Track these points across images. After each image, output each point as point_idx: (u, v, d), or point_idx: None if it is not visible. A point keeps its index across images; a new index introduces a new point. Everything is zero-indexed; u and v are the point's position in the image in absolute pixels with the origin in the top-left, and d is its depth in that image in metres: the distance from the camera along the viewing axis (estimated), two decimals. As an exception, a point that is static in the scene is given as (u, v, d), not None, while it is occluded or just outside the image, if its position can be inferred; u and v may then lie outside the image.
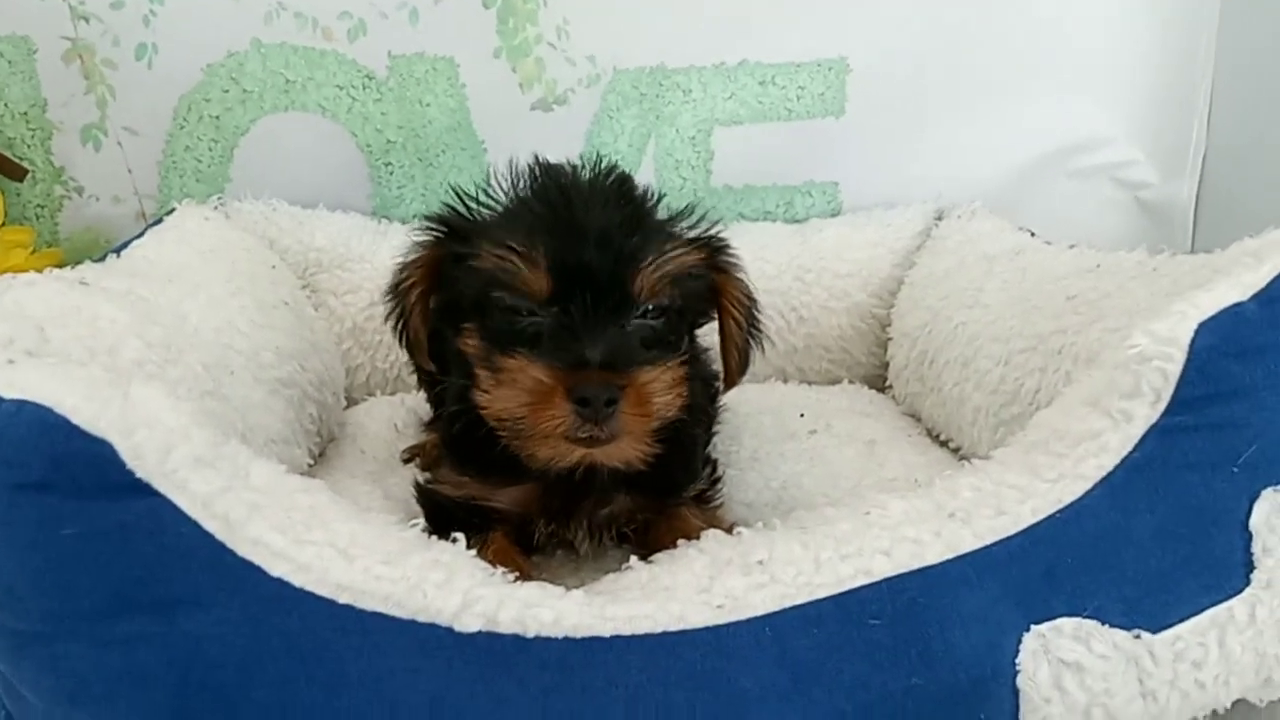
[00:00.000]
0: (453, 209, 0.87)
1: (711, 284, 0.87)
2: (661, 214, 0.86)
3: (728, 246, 0.90)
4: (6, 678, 0.61)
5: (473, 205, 0.86)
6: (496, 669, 0.58)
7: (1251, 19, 1.49)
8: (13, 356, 0.62)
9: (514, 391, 0.75)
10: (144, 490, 0.56)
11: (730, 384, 0.95)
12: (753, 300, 0.91)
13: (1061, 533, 0.65)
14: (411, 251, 0.88)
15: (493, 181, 0.86)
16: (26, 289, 0.76)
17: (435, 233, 0.87)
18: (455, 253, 0.82)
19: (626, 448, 0.77)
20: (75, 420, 0.55)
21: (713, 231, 0.89)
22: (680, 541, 0.71)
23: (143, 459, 0.56)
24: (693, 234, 0.87)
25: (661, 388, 0.77)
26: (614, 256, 0.77)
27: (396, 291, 0.88)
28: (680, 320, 0.84)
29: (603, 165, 0.86)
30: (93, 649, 0.57)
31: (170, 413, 0.58)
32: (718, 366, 0.94)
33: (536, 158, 0.86)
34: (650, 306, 0.79)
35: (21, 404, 0.55)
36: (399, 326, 0.89)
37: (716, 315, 0.90)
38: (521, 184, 0.84)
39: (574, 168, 0.85)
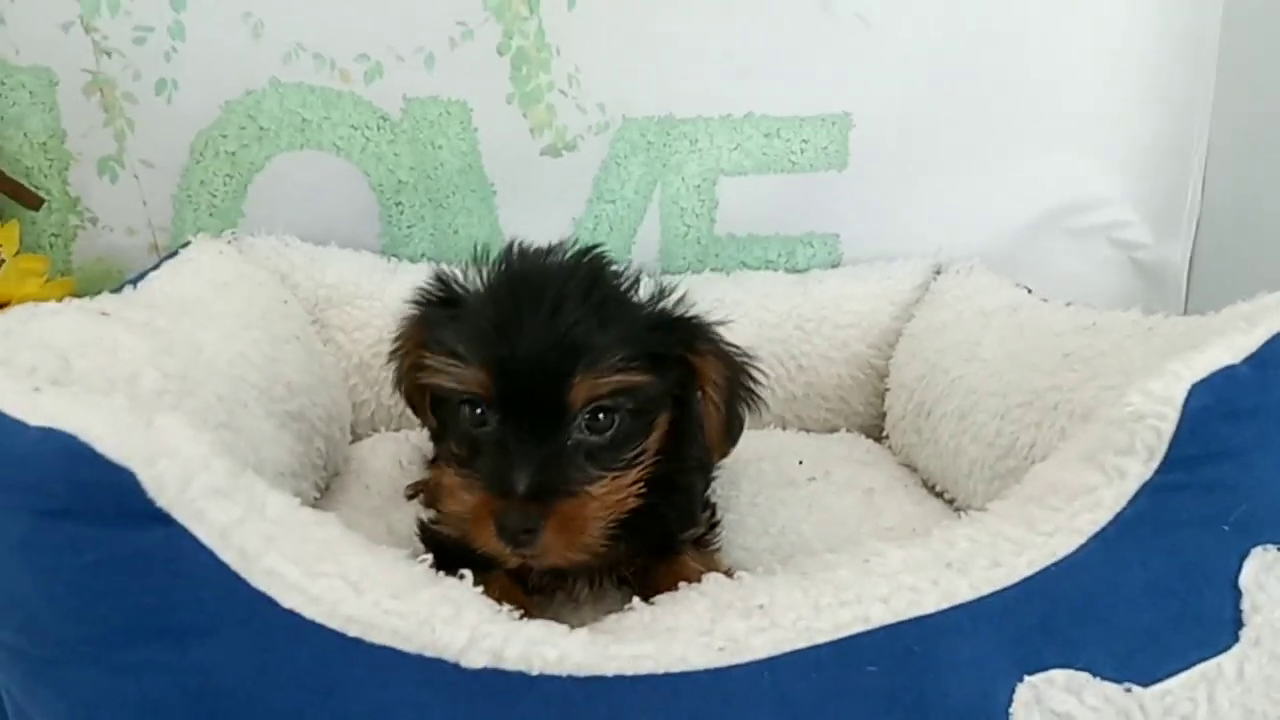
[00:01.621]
0: (435, 284, 0.88)
1: (689, 364, 0.87)
2: (640, 294, 0.87)
3: (705, 327, 0.90)
4: (17, 702, 0.62)
5: (452, 285, 0.87)
6: (501, 705, 0.59)
7: (1247, 83, 1.53)
8: (38, 384, 0.63)
9: (453, 504, 0.79)
10: (164, 519, 0.57)
11: (715, 457, 0.96)
12: (737, 376, 0.91)
13: (1056, 585, 0.66)
14: (400, 323, 0.91)
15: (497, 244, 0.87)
16: (50, 318, 0.78)
17: (415, 313, 0.89)
18: (421, 342, 0.85)
19: (563, 555, 0.77)
20: (100, 449, 0.56)
21: (689, 314, 0.89)
22: (681, 584, 0.72)
23: (164, 488, 0.57)
24: (672, 316, 0.87)
25: (594, 509, 0.78)
26: (550, 369, 0.77)
27: (392, 355, 0.92)
28: (639, 420, 0.83)
29: (583, 249, 0.86)
30: (105, 675, 0.58)
31: (191, 443, 0.60)
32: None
33: (512, 243, 0.87)
34: (599, 415, 0.79)
35: (48, 431, 0.56)
36: (398, 388, 0.93)
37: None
38: (492, 271, 0.85)
39: (549, 251, 0.86)
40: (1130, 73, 1.59)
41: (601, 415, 0.79)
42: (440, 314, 0.85)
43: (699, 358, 0.87)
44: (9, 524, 0.57)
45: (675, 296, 0.89)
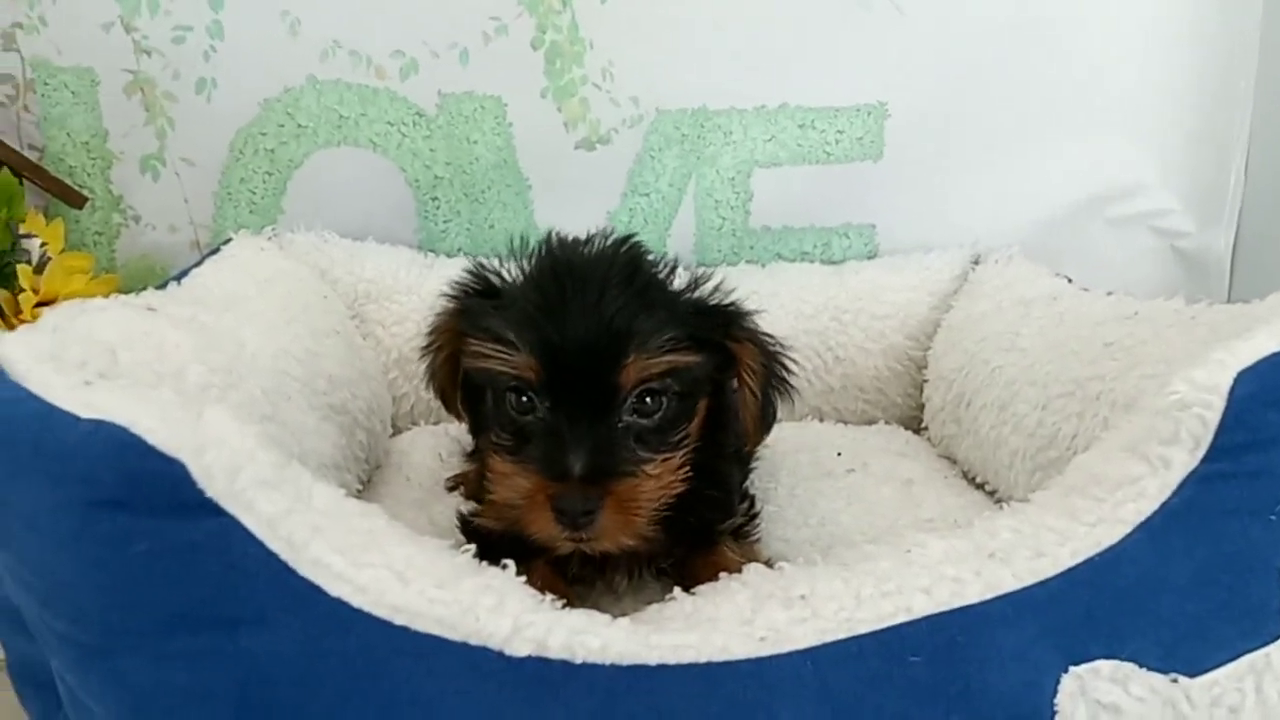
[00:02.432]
0: (472, 275, 0.89)
1: (728, 351, 0.88)
2: (678, 282, 0.87)
3: (741, 315, 0.90)
4: (71, 689, 0.63)
5: (490, 276, 0.88)
6: (545, 694, 0.59)
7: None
8: (88, 378, 0.64)
9: (507, 491, 0.79)
10: (213, 510, 0.58)
11: (750, 445, 0.97)
12: (774, 363, 0.91)
13: (1100, 576, 0.66)
14: (436, 315, 0.92)
15: (509, 261, 0.87)
16: (98, 314, 0.79)
17: (453, 304, 0.90)
18: (463, 331, 0.86)
19: (617, 538, 0.78)
20: (150, 440, 0.56)
21: (727, 301, 0.90)
22: (721, 575, 0.72)
23: (213, 479, 0.58)
24: (710, 304, 0.88)
25: (649, 490, 0.79)
26: (600, 351, 0.77)
27: (428, 350, 0.92)
28: (684, 403, 0.84)
29: (619, 238, 0.87)
30: (156, 664, 0.59)
31: (238, 435, 0.60)
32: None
33: (549, 234, 0.88)
34: (646, 399, 0.80)
35: (99, 424, 0.57)
36: (430, 382, 0.94)
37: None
38: (531, 261, 0.86)
39: (587, 241, 0.87)
40: (1170, 58, 1.57)
41: (649, 398, 0.80)
42: (481, 304, 0.85)
43: (737, 344, 0.88)
44: (61, 516, 0.58)
45: (712, 283, 0.89)
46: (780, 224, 1.60)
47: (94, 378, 0.65)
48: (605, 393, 0.78)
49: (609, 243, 0.87)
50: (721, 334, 0.87)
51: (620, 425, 0.79)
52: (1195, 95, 1.58)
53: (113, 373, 0.72)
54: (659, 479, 0.80)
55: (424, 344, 0.94)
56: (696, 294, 0.88)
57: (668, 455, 0.81)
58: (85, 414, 0.58)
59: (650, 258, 0.88)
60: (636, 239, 0.88)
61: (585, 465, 0.75)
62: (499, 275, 0.88)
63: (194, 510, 0.57)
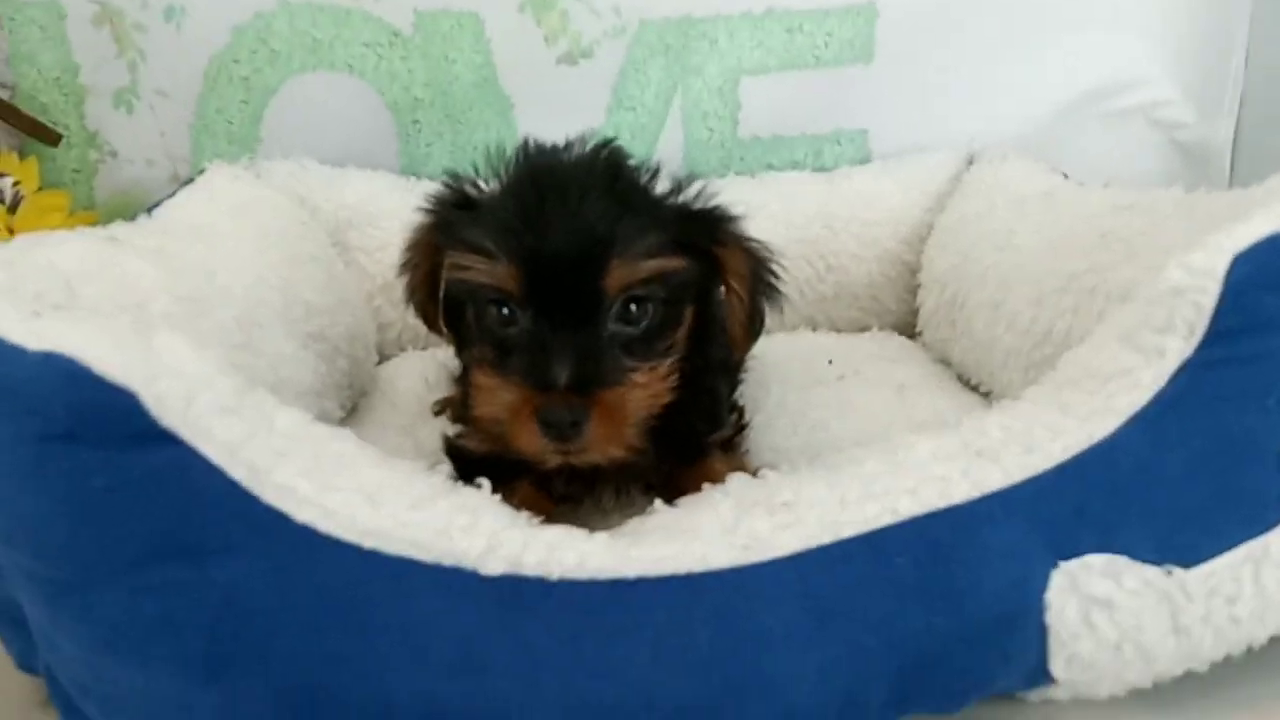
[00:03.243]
0: (448, 188, 0.87)
1: (714, 257, 0.85)
2: (661, 187, 0.85)
3: (727, 219, 0.88)
4: (42, 626, 0.63)
5: (467, 187, 0.85)
6: (522, 611, 0.58)
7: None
8: (40, 310, 0.62)
9: (490, 405, 0.77)
10: (169, 439, 0.56)
11: (738, 353, 0.95)
12: (762, 269, 0.89)
13: (1093, 469, 0.64)
14: (413, 231, 0.89)
15: (485, 166, 0.85)
16: (56, 246, 0.77)
17: (429, 217, 0.87)
18: (440, 245, 0.83)
19: (606, 450, 0.76)
20: (98, 370, 0.54)
21: (712, 204, 0.87)
22: (705, 485, 0.70)
23: (166, 407, 0.56)
24: (696, 206, 0.85)
25: (637, 398, 0.77)
26: (583, 257, 0.75)
27: (407, 268, 0.90)
28: (671, 310, 0.82)
29: (598, 143, 0.84)
30: (126, 597, 0.57)
31: (193, 361, 0.59)
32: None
33: (525, 141, 0.85)
34: (631, 306, 0.78)
35: (48, 355, 0.55)
36: (411, 301, 0.91)
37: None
38: (507, 170, 0.83)
39: (565, 148, 0.84)
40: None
41: (634, 306, 0.78)
42: (458, 216, 0.83)
43: (723, 249, 0.85)
44: (17, 451, 0.56)
45: (696, 188, 0.87)
46: (770, 133, 1.56)
47: (47, 310, 0.63)
48: (589, 301, 0.76)
49: (588, 149, 0.84)
50: (708, 240, 0.84)
51: (606, 334, 0.77)
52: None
53: (70, 305, 0.70)
54: (647, 388, 0.78)
55: (401, 261, 0.91)
56: (680, 199, 0.86)
57: (655, 364, 0.79)
58: (35, 346, 0.56)
59: (631, 162, 0.85)
60: (616, 143, 0.86)
61: (571, 375, 0.73)
62: (475, 187, 0.85)
63: (149, 440, 0.56)
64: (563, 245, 0.75)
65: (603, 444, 0.75)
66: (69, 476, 0.56)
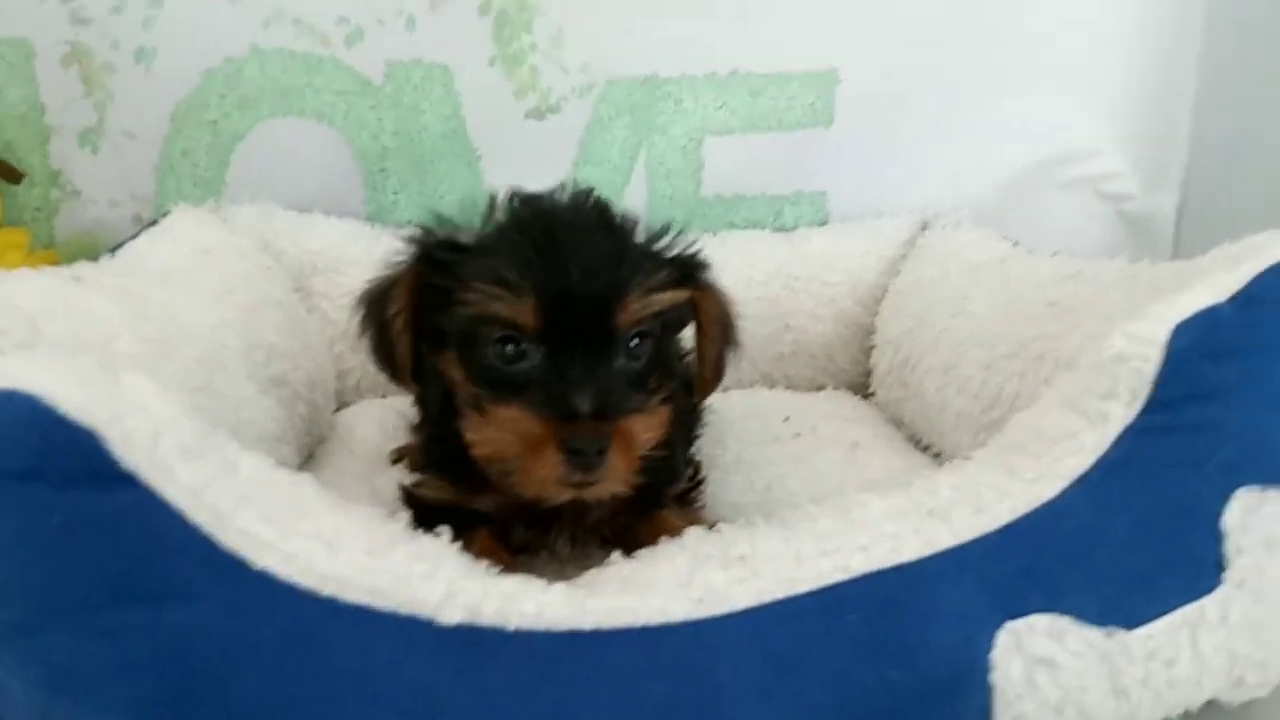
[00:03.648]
0: (430, 231, 0.87)
1: (689, 300, 0.87)
2: (640, 235, 0.86)
3: (705, 265, 0.90)
4: (-8, 667, 0.62)
5: (450, 232, 0.85)
6: (479, 661, 0.59)
7: (1236, 34, 1.51)
8: (2, 348, 0.62)
9: (505, 437, 0.77)
10: (131, 480, 0.56)
11: (702, 395, 0.96)
12: (729, 316, 0.91)
13: (1038, 531, 0.66)
14: (389, 274, 0.88)
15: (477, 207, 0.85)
16: (19, 283, 0.77)
17: (415, 254, 0.86)
18: (433, 283, 0.83)
19: (612, 485, 0.77)
20: (62, 409, 0.55)
21: (691, 250, 0.89)
22: (662, 539, 0.71)
23: (131, 448, 0.56)
24: (672, 253, 0.87)
25: (647, 429, 0.79)
26: (601, 290, 0.77)
27: (377, 315, 0.87)
28: (660, 348, 0.84)
29: (581, 191, 0.86)
30: (79, 639, 0.57)
31: (158, 402, 0.59)
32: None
33: (513, 189, 0.86)
34: (634, 341, 0.80)
35: (9, 394, 0.55)
36: (379, 347, 0.88)
37: (695, 325, 0.91)
38: (499, 213, 0.84)
39: (551, 195, 0.85)
40: (1117, 23, 1.58)
41: (637, 341, 0.80)
42: (451, 256, 0.82)
43: (701, 292, 0.88)
44: (-27, 488, 0.56)
45: (674, 233, 0.88)
46: (732, 192, 1.59)
47: (10, 348, 0.64)
48: (603, 335, 0.78)
49: (572, 195, 0.86)
50: (689, 282, 0.86)
51: (616, 367, 0.79)
52: (1142, 58, 1.59)
53: (33, 344, 0.70)
54: (653, 418, 0.80)
55: (369, 305, 0.89)
56: (659, 244, 0.87)
57: (653, 397, 0.81)
58: (-2, 383, 0.56)
59: (615, 208, 0.87)
60: (596, 192, 0.87)
61: (593, 404, 0.74)
62: (460, 231, 0.85)
63: (110, 481, 0.56)
64: (580, 281, 0.76)
65: (618, 473, 0.76)
66: (26, 515, 0.56)
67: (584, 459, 0.74)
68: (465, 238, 0.85)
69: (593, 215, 0.83)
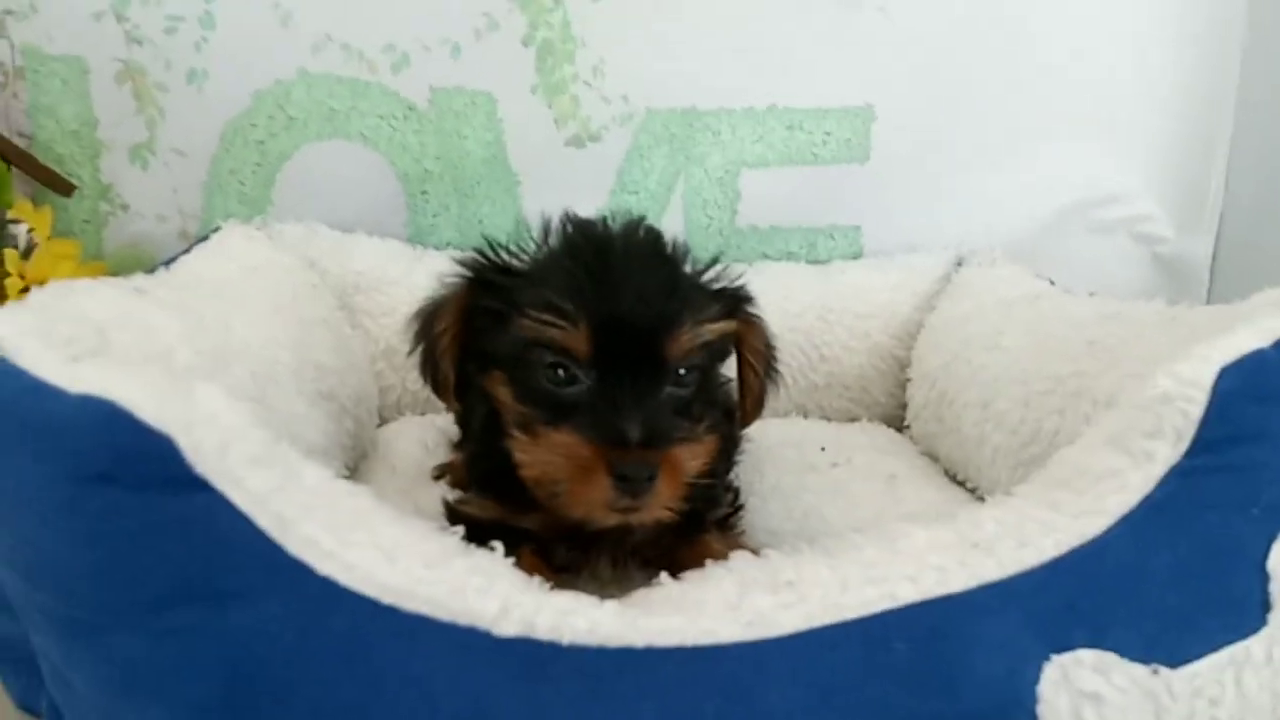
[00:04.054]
0: (482, 255, 0.88)
1: (734, 331, 0.89)
2: (687, 266, 0.88)
3: (750, 298, 0.92)
4: (55, 665, 0.63)
5: (502, 255, 0.87)
6: (533, 674, 0.59)
7: (1271, 76, 1.53)
8: (76, 354, 0.64)
9: (555, 460, 0.78)
10: (202, 486, 0.57)
11: (745, 424, 0.98)
12: (771, 348, 0.94)
13: (1083, 566, 0.66)
14: (442, 293, 0.90)
15: (522, 232, 0.87)
16: (86, 294, 0.78)
17: (466, 277, 0.88)
18: (484, 305, 0.84)
19: (658, 511, 0.79)
20: (139, 415, 0.56)
21: (737, 282, 0.91)
22: (707, 562, 0.72)
23: (202, 455, 0.57)
24: (718, 285, 0.89)
25: (693, 457, 0.80)
26: (653, 321, 0.78)
27: (426, 332, 0.90)
28: (706, 378, 0.86)
29: (632, 219, 0.88)
30: (146, 639, 0.58)
31: (229, 411, 0.60)
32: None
33: (567, 213, 0.88)
34: (683, 371, 0.81)
35: (87, 398, 0.56)
36: (426, 364, 0.91)
37: (736, 357, 0.92)
38: (552, 238, 0.86)
39: (604, 221, 0.87)
40: (1154, 66, 1.60)
41: (685, 370, 0.81)
42: (504, 279, 0.84)
43: (745, 324, 0.90)
44: (49, 490, 0.58)
45: (720, 266, 0.90)
46: (767, 224, 1.61)
47: (83, 355, 0.65)
48: (654, 363, 0.79)
49: (625, 224, 0.87)
50: (735, 315, 0.88)
51: (664, 396, 0.80)
52: (1178, 102, 1.61)
53: (102, 351, 0.72)
54: (700, 447, 0.81)
55: (421, 324, 0.91)
56: (707, 275, 0.89)
57: (699, 426, 0.83)
58: (74, 388, 0.57)
59: (667, 238, 0.89)
60: (647, 220, 0.89)
61: (643, 432, 0.76)
62: (511, 255, 0.87)
63: (183, 485, 0.57)
64: (633, 309, 0.78)
65: (664, 500, 0.77)
66: (100, 517, 0.57)
67: (633, 485, 0.75)
68: (517, 262, 0.86)
69: (646, 244, 0.85)
